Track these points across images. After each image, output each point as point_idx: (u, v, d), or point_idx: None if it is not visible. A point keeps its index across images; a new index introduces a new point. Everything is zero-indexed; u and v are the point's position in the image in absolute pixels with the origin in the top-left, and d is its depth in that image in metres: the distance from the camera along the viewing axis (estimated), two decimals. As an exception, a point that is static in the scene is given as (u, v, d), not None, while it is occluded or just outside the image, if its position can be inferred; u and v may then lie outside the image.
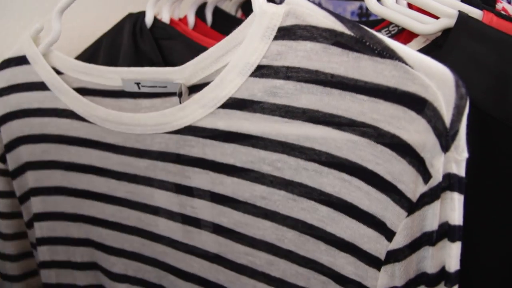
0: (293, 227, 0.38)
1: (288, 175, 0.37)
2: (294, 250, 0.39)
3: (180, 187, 0.42)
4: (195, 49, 0.47)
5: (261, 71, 0.36)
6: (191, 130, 0.40)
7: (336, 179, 0.36)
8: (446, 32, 0.39)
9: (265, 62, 0.36)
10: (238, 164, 0.39)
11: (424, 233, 0.34)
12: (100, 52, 0.54)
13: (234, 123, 0.38)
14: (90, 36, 0.57)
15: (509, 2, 0.48)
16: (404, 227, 0.34)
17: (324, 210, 0.37)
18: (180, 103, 0.40)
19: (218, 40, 0.40)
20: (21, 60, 0.50)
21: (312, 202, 0.37)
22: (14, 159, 0.53)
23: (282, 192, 0.38)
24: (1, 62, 0.52)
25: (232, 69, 0.37)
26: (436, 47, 0.40)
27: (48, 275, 0.55)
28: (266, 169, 0.38)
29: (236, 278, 0.42)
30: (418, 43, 0.42)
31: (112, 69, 0.45)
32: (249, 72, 0.37)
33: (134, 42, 0.51)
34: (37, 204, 0.52)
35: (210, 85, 0.38)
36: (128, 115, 0.43)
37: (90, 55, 0.54)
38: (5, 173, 0.55)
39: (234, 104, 0.38)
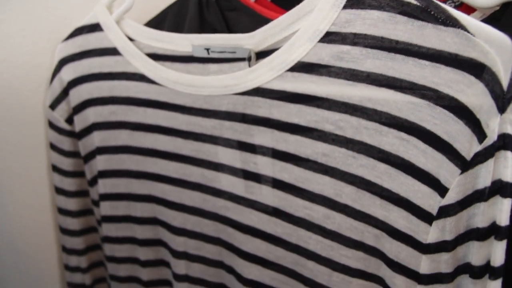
0: (351, 182, 0.41)
1: (349, 133, 0.40)
2: (350, 204, 0.42)
3: (244, 144, 0.46)
4: (259, 20, 0.50)
5: (329, 37, 0.40)
6: (259, 92, 0.44)
7: (395, 138, 0.39)
8: (505, 6, 0.42)
9: (334, 29, 0.39)
10: (303, 123, 0.42)
11: (476, 191, 0.37)
12: (165, 22, 0.58)
13: (301, 85, 0.41)
14: (154, 8, 0.60)
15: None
16: (457, 184, 0.37)
17: (382, 167, 0.40)
18: (249, 67, 0.44)
19: (279, 13, 0.43)
20: (94, 27, 0.54)
21: (371, 159, 0.40)
22: (82, 120, 0.57)
23: (343, 150, 0.41)
24: (74, 30, 0.56)
25: (302, 35, 0.41)
26: (494, 21, 0.42)
27: (108, 229, 0.59)
28: (329, 128, 0.41)
29: (293, 231, 0.45)
30: (475, 17, 0.44)
31: (183, 36, 0.48)
32: (318, 38, 0.40)
33: (200, 13, 0.55)
34: (102, 162, 0.56)
35: (279, 50, 0.42)
36: (198, 77, 0.47)
37: (155, 25, 0.58)
38: (71, 134, 0.59)
39: (301, 67, 0.41)
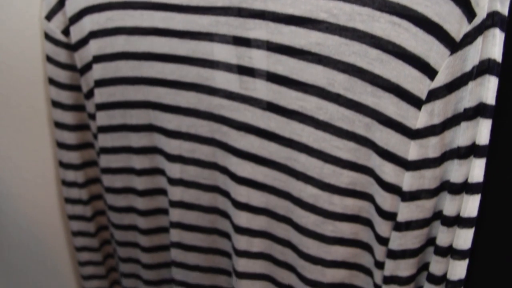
0: (344, 70, 0.42)
1: (342, 20, 0.41)
2: (342, 93, 0.43)
3: (239, 39, 0.47)
4: None
5: None
6: None
7: (387, 22, 0.40)
8: None
9: None
10: (297, 13, 0.43)
11: (465, 73, 0.38)
12: None
13: (296, -27, 0.42)
14: None
15: None
16: (447, 66, 0.38)
17: (373, 52, 0.41)
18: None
19: None
20: None
21: (363, 46, 0.41)
22: (78, 31, 0.57)
23: (336, 37, 0.42)
24: None
25: None
26: None
27: (104, 139, 0.60)
28: (322, 16, 0.42)
29: (286, 124, 0.47)
30: None
31: None
32: None
33: None
34: (99, 71, 0.57)
35: None
36: (194, -26, 0.47)
37: None
38: (67, 46, 0.59)
39: None
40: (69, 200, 0.67)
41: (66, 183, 0.66)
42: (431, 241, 0.46)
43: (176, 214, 0.57)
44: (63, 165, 0.65)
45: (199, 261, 0.59)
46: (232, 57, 0.47)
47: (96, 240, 0.70)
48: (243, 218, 0.52)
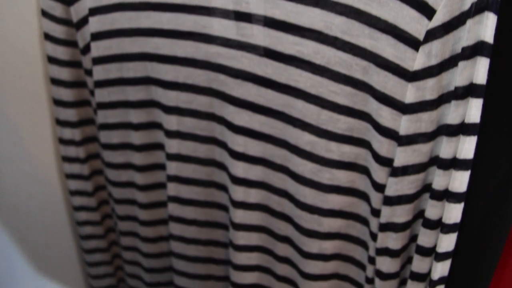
0: (341, 13, 0.42)
1: None
2: (340, 36, 0.43)
3: (236, -16, 0.46)
4: None
5: None
6: None
7: None
8: None
9: None
10: None
11: (463, 12, 0.38)
12: None
13: None
14: None
15: None
16: (445, 5, 0.38)
17: (372, -8, 0.41)
18: None
19: None
20: None
21: None
22: (73, -17, 0.57)
23: None
24: None
25: None
26: None
27: (101, 94, 0.59)
28: None
29: (283, 70, 0.46)
30: None
31: None
32: None
33: None
34: (95, 24, 0.56)
35: None
36: None
37: None
38: (62, 0, 0.59)
39: None
40: (66, 159, 0.67)
41: (63, 141, 0.66)
42: (427, 187, 0.46)
43: (173, 168, 0.57)
44: (60, 122, 0.65)
45: (196, 215, 0.60)
46: (228, 3, 0.47)
47: (94, 200, 0.70)
48: (240, 168, 0.52)
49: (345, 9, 0.42)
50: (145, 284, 0.71)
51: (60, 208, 0.72)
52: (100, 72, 0.58)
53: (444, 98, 0.42)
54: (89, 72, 0.61)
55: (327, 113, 0.46)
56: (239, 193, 0.53)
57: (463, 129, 0.40)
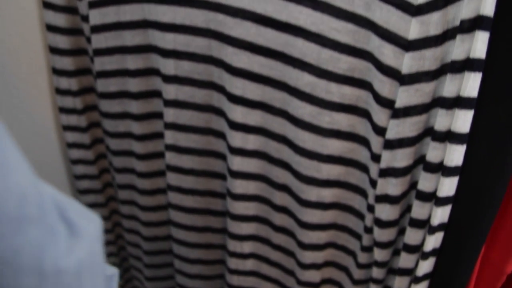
0: None
1: None
2: None
3: None
4: None
5: None
6: None
7: None
8: None
9: None
10: None
11: None
12: None
13: None
14: None
15: None
16: None
17: None
18: None
19: None
20: None
21: None
22: None
23: None
24: None
25: None
26: None
27: (98, 40, 0.58)
28: None
29: (283, 7, 0.45)
30: None
31: None
32: None
33: None
34: None
35: None
36: None
37: None
38: None
39: None
40: (63, 110, 0.66)
41: (59, 91, 0.65)
42: (428, 131, 0.45)
43: (171, 114, 0.56)
44: (56, 71, 0.64)
45: (194, 164, 0.59)
46: None
47: (91, 153, 0.69)
48: (238, 113, 0.51)
49: None
50: (143, 239, 0.70)
51: (58, 160, 0.72)
52: (97, 17, 0.57)
53: (449, 34, 0.40)
54: (85, 18, 0.59)
55: (328, 52, 0.45)
56: (237, 139, 0.52)
57: (468, 64, 0.39)
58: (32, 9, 0.62)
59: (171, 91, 0.55)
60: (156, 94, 0.59)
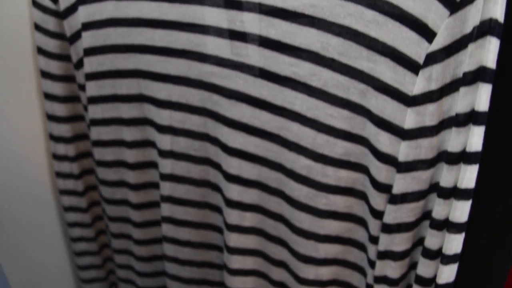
0: (338, 33, 0.40)
1: None
2: (337, 58, 0.41)
3: (230, 2, 0.44)
4: None
5: None
6: None
7: None
8: None
9: None
10: None
11: (464, 36, 0.36)
12: None
13: None
14: None
15: None
16: (446, 27, 0.36)
17: (369, 14, 0.39)
18: None
19: None
20: None
21: (359, 7, 0.39)
22: (66, -3, 0.55)
23: None
24: None
25: None
26: None
27: (94, 111, 0.58)
28: None
29: (278, 92, 0.45)
30: None
31: None
32: None
33: None
34: (88, 39, 0.55)
35: None
36: None
37: None
38: (56, 14, 0.57)
39: None
40: (60, 174, 0.66)
41: (57, 157, 0.65)
42: (426, 214, 0.44)
43: (167, 188, 0.56)
44: (54, 138, 0.64)
45: (191, 236, 0.58)
46: (223, 21, 0.45)
47: (88, 216, 0.69)
48: (235, 191, 0.51)
49: (342, 30, 0.40)
50: None
51: (54, 222, 0.71)
52: (93, 88, 0.57)
53: (444, 124, 0.40)
54: (82, 87, 0.59)
55: (323, 137, 0.44)
56: (234, 216, 0.52)
57: (464, 157, 0.38)
58: (30, 78, 0.63)
59: (167, 166, 0.55)
60: (153, 165, 0.58)
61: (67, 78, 0.61)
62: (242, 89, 0.47)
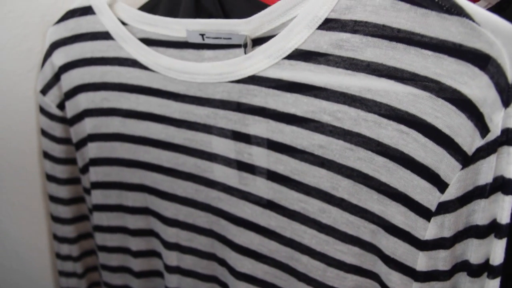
0: (348, 176, 0.40)
1: (347, 125, 0.39)
2: (347, 198, 0.41)
3: (238, 134, 0.44)
4: (256, 5, 0.48)
5: (328, 24, 0.38)
6: (254, 80, 0.42)
7: (394, 130, 0.37)
8: (511, -5, 0.40)
9: (334, 15, 0.38)
10: (299, 113, 0.41)
11: (477, 187, 0.36)
12: (159, 6, 0.56)
13: (298, 73, 0.40)
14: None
15: None
16: (458, 180, 0.36)
17: (380, 160, 0.38)
18: (245, 54, 0.42)
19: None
20: (87, 10, 0.52)
21: (369, 152, 0.39)
22: (73, 106, 0.56)
23: (340, 142, 0.40)
24: (65, 13, 0.54)
25: (299, 22, 0.39)
26: (500, 10, 0.41)
27: (99, 218, 0.58)
28: (326, 119, 0.40)
29: (287, 224, 0.44)
30: (480, 6, 0.43)
31: (177, 20, 0.46)
32: (317, 25, 0.38)
33: (196, -3, 0.53)
34: (94, 150, 0.55)
35: (277, 36, 0.40)
36: (192, 64, 0.45)
37: (149, 9, 0.56)
38: (63, 120, 0.58)
39: (299, 55, 0.40)
40: (63, 273, 0.65)
41: (60, 257, 0.64)
42: None
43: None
44: (58, 238, 0.63)
45: None
46: (231, 151, 0.45)
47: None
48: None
49: (352, 172, 0.40)
50: None
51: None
52: (99, 197, 0.57)
53: (457, 268, 0.39)
54: (87, 191, 0.59)
55: (333, 271, 0.43)
56: None
57: None
58: (35, 180, 0.62)
59: (173, 281, 0.54)
60: (159, 274, 0.58)
61: (72, 181, 0.61)
62: (250, 218, 0.46)
